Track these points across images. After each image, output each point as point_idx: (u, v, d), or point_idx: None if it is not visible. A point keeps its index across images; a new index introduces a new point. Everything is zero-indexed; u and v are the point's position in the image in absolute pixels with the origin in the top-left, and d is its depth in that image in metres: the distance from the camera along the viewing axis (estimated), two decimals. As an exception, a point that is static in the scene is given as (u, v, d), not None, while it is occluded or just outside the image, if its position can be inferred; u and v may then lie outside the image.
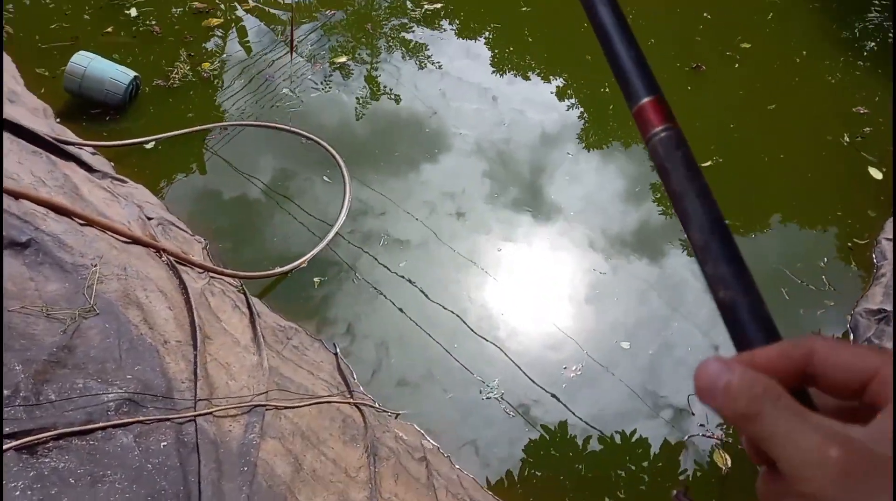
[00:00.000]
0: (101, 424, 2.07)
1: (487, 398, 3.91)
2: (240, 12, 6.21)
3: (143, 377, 2.43)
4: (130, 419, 2.16)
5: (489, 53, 6.41)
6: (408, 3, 7.02)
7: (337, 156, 5.07)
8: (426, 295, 4.25)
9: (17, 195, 2.95)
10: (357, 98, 5.60)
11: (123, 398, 2.24)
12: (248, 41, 5.96)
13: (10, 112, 4.07)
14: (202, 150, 5.02)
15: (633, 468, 3.82)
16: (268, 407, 2.76)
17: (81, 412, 2.08)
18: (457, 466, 3.64)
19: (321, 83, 5.68)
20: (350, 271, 4.40)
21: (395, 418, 3.80)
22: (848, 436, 0.32)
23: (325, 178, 4.96)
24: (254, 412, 2.66)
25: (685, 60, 6.70)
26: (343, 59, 5.99)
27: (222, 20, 6.11)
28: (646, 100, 0.48)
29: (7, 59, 5.09)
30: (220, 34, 5.97)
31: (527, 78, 6.12)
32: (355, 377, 3.93)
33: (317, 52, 5.96)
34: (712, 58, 6.79)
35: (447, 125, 5.39)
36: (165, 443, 2.17)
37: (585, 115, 5.94)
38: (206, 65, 5.57)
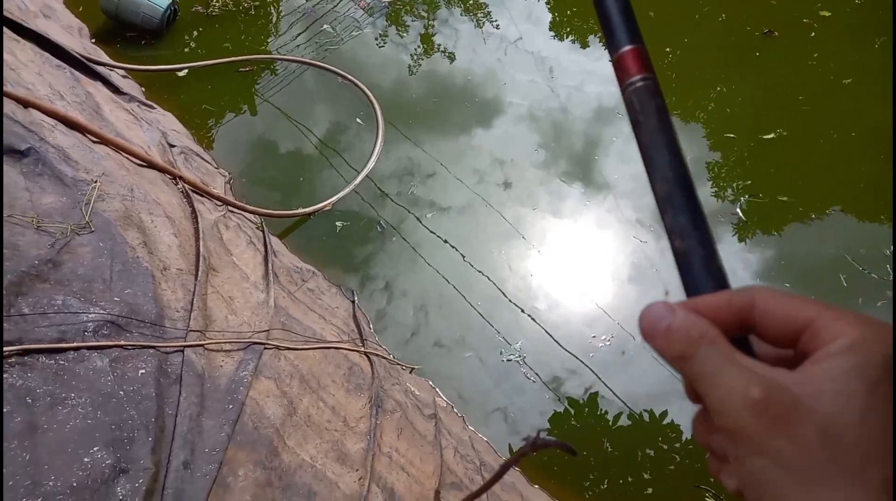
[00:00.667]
0: (74, 344, 1.91)
1: (508, 360, 3.69)
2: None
3: (133, 301, 2.27)
4: (109, 343, 2.00)
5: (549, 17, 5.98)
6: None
7: (372, 97, 4.82)
8: (469, 262, 4.01)
9: (25, 103, 2.80)
10: (412, 55, 5.27)
11: (106, 320, 2.08)
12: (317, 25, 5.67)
13: (43, 27, 3.93)
14: (236, 82, 4.84)
15: (665, 447, 3.55)
16: (267, 346, 2.58)
17: (55, 330, 1.92)
18: (470, 427, 3.44)
19: (377, 36, 5.41)
20: (386, 229, 4.19)
21: (410, 372, 3.61)
22: (770, 378, 0.34)
23: (358, 120, 4.73)
24: (250, 350, 2.48)
25: (757, 25, 6.20)
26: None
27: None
28: (626, 48, 0.47)
29: (46, -25, 4.96)
30: (285, 15, 5.68)
31: (585, 45, 5.67)
32: (371, 327, 3.75)
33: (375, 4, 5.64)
34: (787, 24, 6.27)
35: (502, 92, 5.05)
36: (144, 371, 2.01)
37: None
38: (247, -6, 5.35)
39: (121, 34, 4.82)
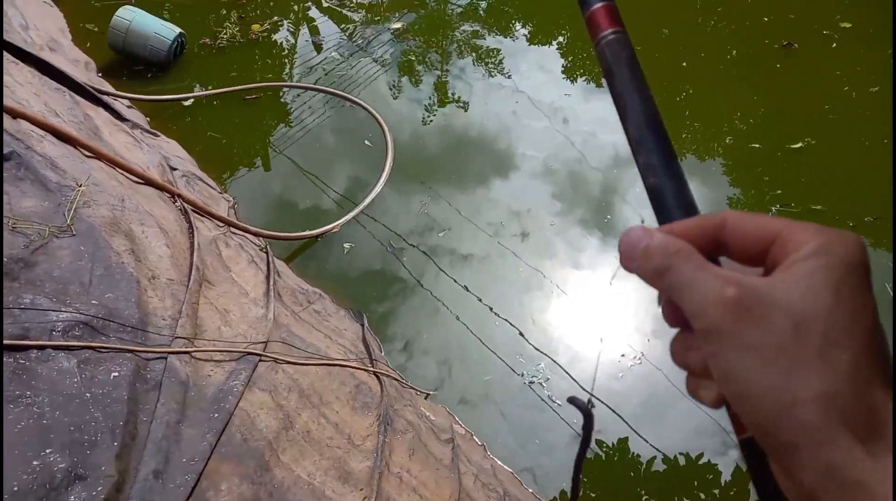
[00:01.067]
0: (37, 342, 1.70)
1: (530, 382, 3.41)
2: (313, 12, 5.87)
3: (113, 306, 2.07)
4: (77, 343, 1.79)
5: (561, 62, 5.82)
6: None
7: (381, 120, 4.70)
8: (496, 312, 3.74)
9: (14, 114, 2.68)
10: (425, 107, 5.07)
11: (78, 321, 1.87)
12: (320, 39, 5.57)
13: (48, 58, 3.88)
14: (242, 109, 4.76)
15: (702, 496, 3.22)
16: (263, 358, 2.36)
17: (18, 327, 1.72)
18: (492, 456, 3.14)
19: (391, 86, 5.30)
20: (395, 252, 4.00)
21: (426, 398, 3.34)
22: (743, 280, 0.35)
23: (366, 142, 4.60)
24: (244, 360, 2.25)
25: (776, 38, 6.06)
26: (397, 25, 5.66)
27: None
28: (598, 5, 0.48)
29: (58, 12, 4.99)
30: (291, 29, 5.61)
31: (597, 94, 5.49)
32: (382, 351, 3.50)
33: (387, 55, 5.52)
34: (807, 36, 6.12)
35: (516, 143, 4.84)
36: (117, 374, 1.79)
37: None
38: (255, 27, 5.34)
39: (127, 67, 4.79)
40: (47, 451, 1.42)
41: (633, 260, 0.40)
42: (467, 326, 3.62)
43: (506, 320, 3.67)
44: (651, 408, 3.39)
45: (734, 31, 6.32)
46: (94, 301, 2.03)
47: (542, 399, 3.35)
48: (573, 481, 1.07)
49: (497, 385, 3.40)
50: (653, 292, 0.41)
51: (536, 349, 3.54)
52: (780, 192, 4.50)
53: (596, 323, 3.73)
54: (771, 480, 0.36)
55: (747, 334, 0.34)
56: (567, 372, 3.44)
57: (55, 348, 1.73)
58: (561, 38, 6.05)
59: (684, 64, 5.75)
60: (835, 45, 6.08)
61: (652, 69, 5.73)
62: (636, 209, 4.40)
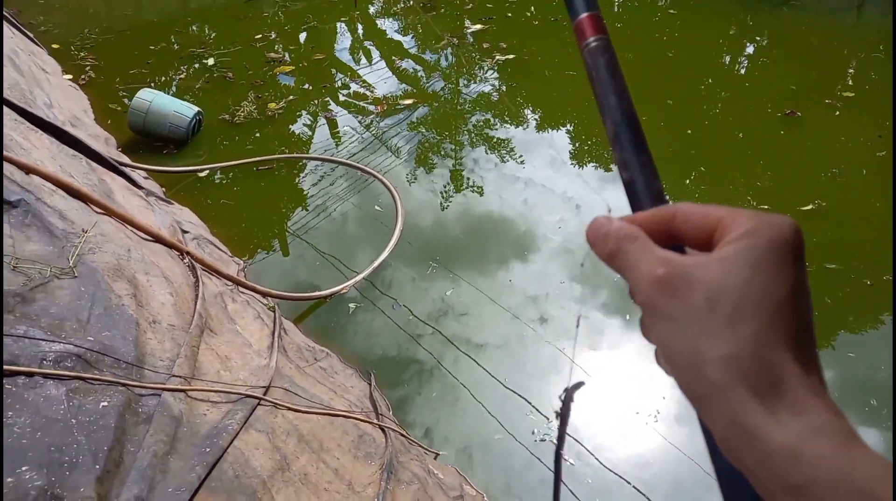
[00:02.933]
0: (25, 368, 1.66)
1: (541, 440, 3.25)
2: (332, 106, 6.04)
3: (109, 343, 2.03)
4: (67, 373, 1.75)
5: (569, 146, 5.88)
6: (480, 64, 6.94)
7: (391, 187, 4.77)
8: (525, 398, 3.47)
9: (26, 169, 2.76)
10: (441, 200, 4.97)
11: (71, 353, 1.84)
12: (337, 131, 5.68)
13: (71, 131, 4.03)
14: (256, 179, 4.86)
15: None
16: (263, 402, 2.29)
17: (7, 354, 1.69)
18: (505, 517, 2.96)
19: (407, 175, 5.35)
20: (400, 310, 3.95)
21: (435, 458, 3.20)
22: (673, 260, 0.40)
23: (377, 207, 4.65)
24: (242, 402, 2.19)
25: (778, 107, 6.17)
26: (409, 101, 5.85)
27: (292, 67, 6.17)
28: (584, 15, 0.52)
29: (82, 94, 5.23)
30: (307, 123, 5.76)
31: (609, 170, 5.51)
32: (390, 409, 3.39)
33: (402, 143, 5.58)
34: (809, 105, 6.22)
35: (531, 230, 4.70)
36: (106, 404, 1.73)
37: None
38: (272, 104, 5.54)
39: (145, 144, 4.95)
40: (23, 469, 1.36)
41: (595, 244, 0.45)
42: (484, 405, 3.50)
43: (528, 401, 3.54)
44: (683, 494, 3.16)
45: (736, 100, 6.46)
46: (90, 337, 2.00)
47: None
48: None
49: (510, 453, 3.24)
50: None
51: (570, 436, 3.32)
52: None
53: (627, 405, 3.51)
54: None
55: (670, 306, 0.39)
56: (596, 457, 3.24)
57: (44, 375, 1.69)
58: (570, 126, 6.11)
59: (689, 131, 5.84)
60: (838, 113, 6.16)
61: (658, 136, 5.82)
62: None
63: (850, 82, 6.82)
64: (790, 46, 7.64)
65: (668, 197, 0.47)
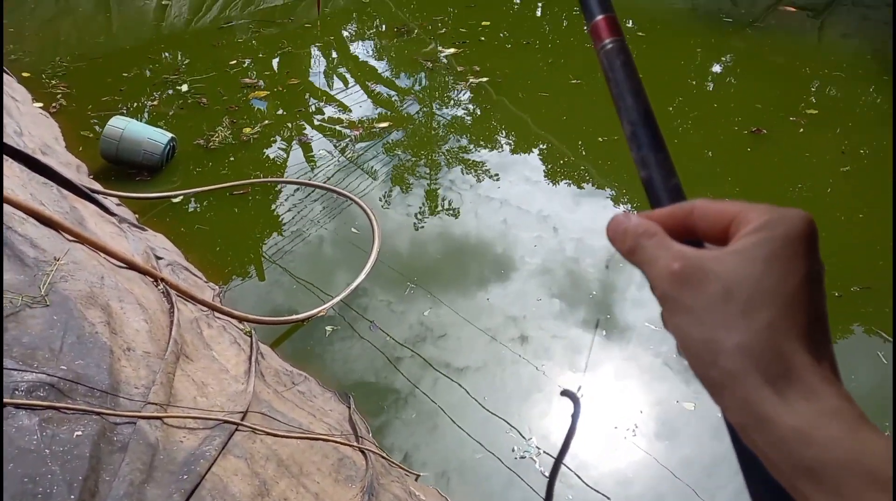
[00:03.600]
0: (-3, 398, 1.63)
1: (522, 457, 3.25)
2: (307, 130, 6.04)
3: (83, 372, 2.00)
4: (40, 403, 1.72)
5: (543, 167, 5.86)
6: (454, 84, 7.02)
7: (368, 209, 4.78)
8: (505, 419, 3.44)
9: (-4, 198, 2.72)
10: (417, 223, 4.95)
11: (44, 383, 1.81)
12: (312, 155, 5.67)
13: (41, 159, 3.99)
14: (231, 206, 4.84)
15: None
16: (240, 428, 2.26)
17: (-23, 385, 1.66)
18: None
19: (381, 197, 5.36)
20: (375, 332, 3.94)
21: (416, 479, 3.18)
22: (689, 254, 0.42)
23: (353, 230, 4.65)
24: (219, 428, 2.16)
25: (744, 125, 6.31)
26: (385, 124, 5.89)
27: (267, 92, 6.18)
28: (599, 17, 0.53)
29: (53, 122, 5.19)
30: (282, 147, 5.73)
31: (581, 187, 5.52)
32: (370, 432, 3.37)
33: (376, 168, 5.54)
34: (774, 122, 6.38)
35: (508, 252, 4.68)
36: (80, 433, 1.70)
37: None
38: (247, 129, 5.54)
39: (118, 172, 4.91)
40: (-5, 501, 1.33)
41: (615, 241, 0.46)
42: (462, 427, 3.49)
43: (506, 421, 3.54)
44: None
45: (704, 118, 6.60)
46: (62, 366, 1.97)
47: None
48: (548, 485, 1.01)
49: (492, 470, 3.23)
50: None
51: (547, 453, 3.31)
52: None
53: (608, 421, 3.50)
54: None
55: (686, 298, 0.41)
56: (577, 475, 3.24)
57: (16, 406, 1.66)
58: (543, 147, 6.15)
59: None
60: (802, 130, 6.32)
61: (629, 154, 5.92)
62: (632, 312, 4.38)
63: (814, 100, 7.01)
64: (755, 66, 7.84)
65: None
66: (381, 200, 5.11)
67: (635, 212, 0.46)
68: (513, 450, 3.30)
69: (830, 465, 0.35)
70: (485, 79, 6.84)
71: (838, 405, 0.37)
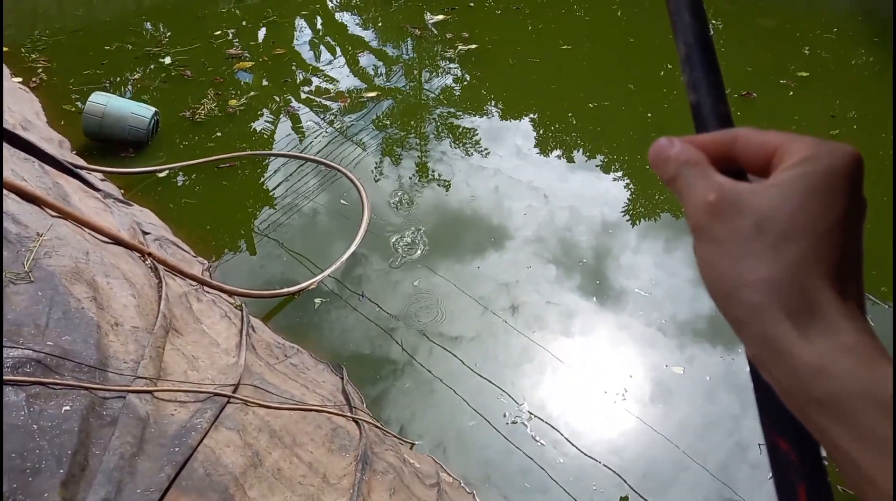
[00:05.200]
0: (-18, 375, 1.62)
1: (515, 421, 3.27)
2: (294, 101, 5.92)
3: (70, 347, 1.99)
4: (26, 378, 1.70)
5: (534, 133, 5.79)
6: (443, 51, 6.92)
7: (357, 181, 4.74)
8: (498, 386, 3.47)
9: (-24, 174, 2.67)
10: (407, 194, 4.85)
11: (30, 359, 1.79)
12: (300, 126, 5.57)
13: (22, 135, 3.92)
14: (219, 179, 4.79)
15: None
16: (232, 400, 2.26)
17: (-38, 362, 1.64)
18: (482, 503, 2.98)
19: (372, 169, 5.22)
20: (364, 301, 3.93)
21: (411, 448, 3.20)
22: (727, 186, 0.41)
23: (342, 201, 4.62)
24: (210, 401, 2.16)
25: (735, 88, 6.26)
26: (373, 94, 5.82)
27: (252, 63, 6.08)
28: None
29: (33, 97, 5.09)
30: (269, 119, 5.63)
31: (571, 160, 5.43)
32: (364, 402, 3.38)
33: (366, 140, 5.46)
34: (764, 86, 6.34)
35: (501, 220, 4.65)
36: (68, 408, 1.69)
37: (639, 200, 5.01)
38: (232, 101, 5.45)
39: (101, 147, 4.83)
40: (-18, 476, 1.32)
41: (657, 165, 0.45)
42: (454, 390, 3.51)
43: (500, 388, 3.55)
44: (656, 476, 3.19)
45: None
46: (49, 342, 1.96)
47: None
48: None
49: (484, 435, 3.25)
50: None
51: (541, 419, 3.32)
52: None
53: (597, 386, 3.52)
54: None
55: (716, 230, 0.40)
56: (572, 443, 3.25)
57: (2, 382, 1.64)
58: (534, 116, 6.07)
59: (649, 115, 5.91)
60: (791, 93, 6.29)
61: (620, 120, 5.88)
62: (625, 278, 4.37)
63: (805, 63, 6.96)
64: (745, 30, 7.76)
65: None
66: (371, 171, 5.06)
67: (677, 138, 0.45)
68: (504, 416, 3.32)
69: (842, 396, 0.35)
70: (474, 45, 6.74)
71: (858, 339, 0.37)
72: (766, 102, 6.10)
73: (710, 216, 0.41)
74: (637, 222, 4.71)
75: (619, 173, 5.27)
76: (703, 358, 3.68)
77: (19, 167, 3.32)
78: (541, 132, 5.83)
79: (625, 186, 5.11)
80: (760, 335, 0.38)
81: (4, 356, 1.74)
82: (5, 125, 3.89)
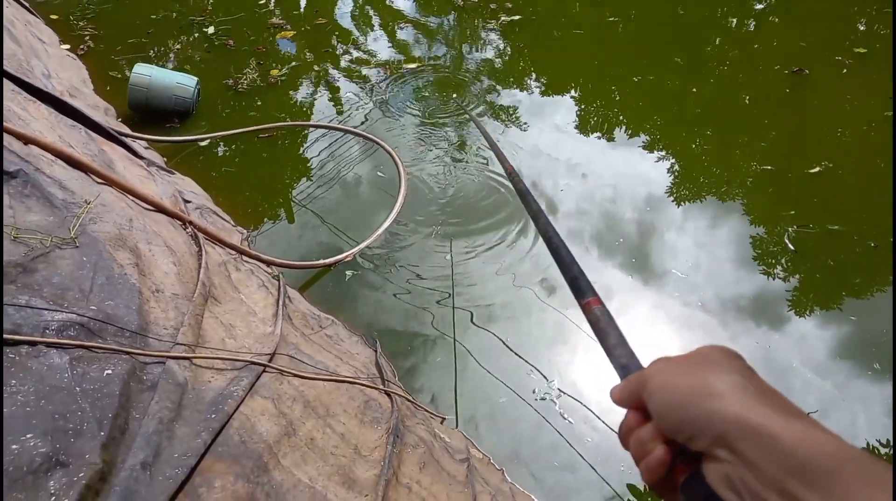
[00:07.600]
0: (28, 337, 1.66)
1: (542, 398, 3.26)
2: (334, 71, 5.90)
3: (112, 312, 2.03)
4: (70, 341, 1.75)
5: (576, 109, 5.67)
6: (485, 23, 6.81)
7: (394, 154, 4.72)
8: (533, 365, 3.46)
9: (25, 139, 2.73)
10: (445, 168, 4.81)
11: (74, 322, 1.84)
12: (339, 97, 5.55)
13: (69, 101, 3.99)
14: (259, 149, 4.82)
15: None
16: (268, 369, 2.29)
17: (9, 323, 1.69)
18: (510, 480, 2.99)
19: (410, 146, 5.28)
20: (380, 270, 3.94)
21: (442, 422, 3.22)
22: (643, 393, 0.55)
23: (379, 173, 4.61)
24: (247, 369, 2.19)
25: (786, 65, 6.04)
26: (413, 65, 5.77)
27: (294, 32, 6.08)
28: (590, 298, 0.79)
29: (80, 64, 5.17)
30: (310, 89, 5.61)
31: (611, 139, 5.31)
32: (396, 376, 3.40)
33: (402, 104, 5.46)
34: (817, 63, 6.09)
35: (539, 193, 4.59)
36: (110, 372, 1.74)
37: (681, 179, 4.88)
38: (274, 71, 5.47)
39: (145, 117, 4.90)
40: (28, 436, 1.36)
41: (614, 402, 0.59)
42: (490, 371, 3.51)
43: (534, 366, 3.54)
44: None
45: (744, 58, 6.32)
46: (92, 306, 2.00)
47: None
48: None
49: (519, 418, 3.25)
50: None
51: (567, 394, 3.31)
52: (793, 212, 4.38)
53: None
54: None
55: (662, 380, 0.52)
56: (603, 421, 3.24)
57: (47, 344, 1.69)
58: (575, 93, 5.94)
59: (694, 90, 5.74)
60: (845, 70, 6.03)
61: (665, 95, 5.72)
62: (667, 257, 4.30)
63: (862, 38, 6.66)
64: (800, 3, 7.45)
65: (627, 368, 0.63)
66: (408, 143, 5.04)
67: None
68: (533, 392, 3.31)
69: (826, 463, 0.39)
70: (517, 16, 6.62)
71: (819, 424, 0.43)
72: (819, 79, 5.88)
73: (630, 401, 0.56)
74: (681, 202, 4.60)
75: (662, 152, 5.14)
76: (742, 340, 3.62)
77: (66, 134, 3.38)
78: (583, 107, 5.71)
79: (667, 165, 4.99)
80: (733, 413, 0.44)
81: (50, 319, 1.79)
82: (54, 92, 3.96)
